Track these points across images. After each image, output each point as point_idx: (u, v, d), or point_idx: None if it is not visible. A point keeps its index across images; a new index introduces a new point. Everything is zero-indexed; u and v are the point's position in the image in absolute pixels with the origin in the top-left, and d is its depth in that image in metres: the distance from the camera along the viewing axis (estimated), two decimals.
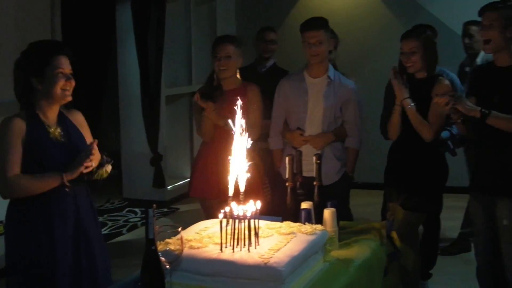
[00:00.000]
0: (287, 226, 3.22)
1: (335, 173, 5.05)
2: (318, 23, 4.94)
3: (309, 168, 3.97)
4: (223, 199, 4.74)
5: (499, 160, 4.23)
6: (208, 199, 5.12)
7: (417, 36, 4.70)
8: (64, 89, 3.55)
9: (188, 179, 8.88)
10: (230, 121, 3.11)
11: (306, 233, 3.12)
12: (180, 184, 9.16)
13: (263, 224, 3.10)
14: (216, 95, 5.03)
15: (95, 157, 3.62)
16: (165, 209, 8.56)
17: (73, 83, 3.58)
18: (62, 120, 3.67)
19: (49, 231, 3.50)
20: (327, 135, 5.02)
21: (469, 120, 4.19)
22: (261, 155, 5.37)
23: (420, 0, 9.38)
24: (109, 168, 3.74)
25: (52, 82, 3.51)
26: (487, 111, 4.04)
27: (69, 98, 3.60)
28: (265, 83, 5.43)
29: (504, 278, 4.34)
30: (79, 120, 3.80)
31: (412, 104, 4.62)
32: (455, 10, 8.99)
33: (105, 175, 3.73)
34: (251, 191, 3.13)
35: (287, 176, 3.76)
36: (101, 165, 3.69)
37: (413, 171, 4.69)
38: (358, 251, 3.40)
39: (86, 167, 3.55)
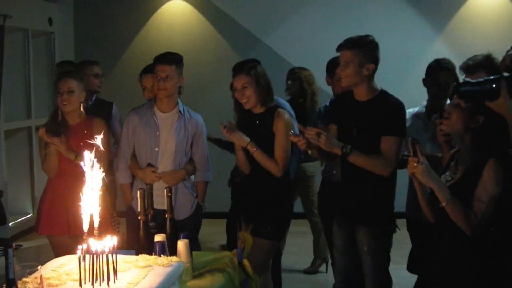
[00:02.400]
0: (144, 259, 3.28)
1: (189, 206, 5.15)
2: (170, 58, 5.01)
3: (162, 201, 4.04)
4: (72, 235, 4.77)
5: (358, 190, 4.50)
6: (57, 235, 5.04)
7: (247, 72, 4.77)
8: None
9: (30, 215, 8.78)
10: (80, 154, 3.11)
11: (163, 265, 3.19)
12: (21, 220, 8.93)
13: (119, 258, 3.14)
14: (62, 130, 4.99)
15: None
16: None
17: None
18: None
19: None
20: (179, 173, 5.08)
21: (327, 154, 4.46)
22: (109, 189, 5.38)
23: (257, 33, 9.72)
24: None
25: None
26: (348, 151, 4.29)
27: None
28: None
29: None
30: None
31: (256, 148, 4.74)
32: (291, 43, 9.40)
33: None
34: (100, 226, 3.15)
35: (139, 209, 3.83)
36: None
37: (261, 200, 4.83)
38: (212, 280, 3.50)
39: None
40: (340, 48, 4.46)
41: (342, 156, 4.34)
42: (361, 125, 4.39)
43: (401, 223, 4.85)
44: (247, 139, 4.75)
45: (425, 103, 5.17)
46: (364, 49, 4.39)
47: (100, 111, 5.62)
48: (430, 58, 5.30)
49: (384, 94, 4.50)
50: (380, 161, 4.34)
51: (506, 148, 3.25)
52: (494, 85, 3.24)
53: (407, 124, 4.68)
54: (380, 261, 4.55)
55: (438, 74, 4.98)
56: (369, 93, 4.46)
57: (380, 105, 4.41)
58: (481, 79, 3.37)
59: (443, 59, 5.09)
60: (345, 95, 4.65)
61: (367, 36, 4.45)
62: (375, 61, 4.44)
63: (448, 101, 5.01)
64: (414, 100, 5.48)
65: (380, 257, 4.55)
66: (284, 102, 5.51)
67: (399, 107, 4.46)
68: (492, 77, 3.35)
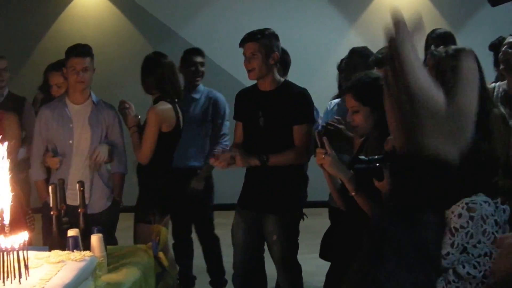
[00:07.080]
0: (56, 254, 3.24)
1: (105, 200, 5.06)
2: (86, 50, 4.95)
3: (76, 197, 3.99)
4: None
5: (265, 179, 4.55)
6: None
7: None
8: None
9: None
10: None
11: (76, 260, 3.17)
12: None
13: (31, 255, 3.10)
14: None
15: None
16: None
17: None
18: None
19: None
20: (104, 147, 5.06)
21: None
22: (22, 185, 5.27)
23: (172, 25, 9.68)
24: None
25: None
26: (265, 158, 4.39)
27: None
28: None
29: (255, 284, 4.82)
30: None
31: (133, 132, 5.05)
32: (206, 35, 9.38)
33: None
34: (14, 222, 3.10)
35: (51, 205, 3.77)
36: None
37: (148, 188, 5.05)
38: (128, 274, 3.50)
39: None
40: (244, 41, 4.57)
41: (263, 166, 4.43)
42: (268, 114, 4.51)
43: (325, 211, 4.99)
44: (133, 122, 5.08)
45: None
46: (268, 39, 4.52)
47: (12, 107, 5.49)
48: (344, 50, 5.38)
49: (287, 83, 4.66)
50: (297, 153, 4.48)
51: None
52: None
53: (334, 111, 4.81)
54: (289, 249, 4.65)
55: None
56: (273, 83, 4.58)
57: (285, 94, 4.55)
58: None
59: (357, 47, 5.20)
60: (248, 89, 4.80)
61: (267, 29, 4.59)
62: (279, 51, 4.58)
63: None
64: (331, 90, 5.56)
65: (290, 245, 4.65)
66: (219, 95, 5.78)
67: (304, 94, 4.61)
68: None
